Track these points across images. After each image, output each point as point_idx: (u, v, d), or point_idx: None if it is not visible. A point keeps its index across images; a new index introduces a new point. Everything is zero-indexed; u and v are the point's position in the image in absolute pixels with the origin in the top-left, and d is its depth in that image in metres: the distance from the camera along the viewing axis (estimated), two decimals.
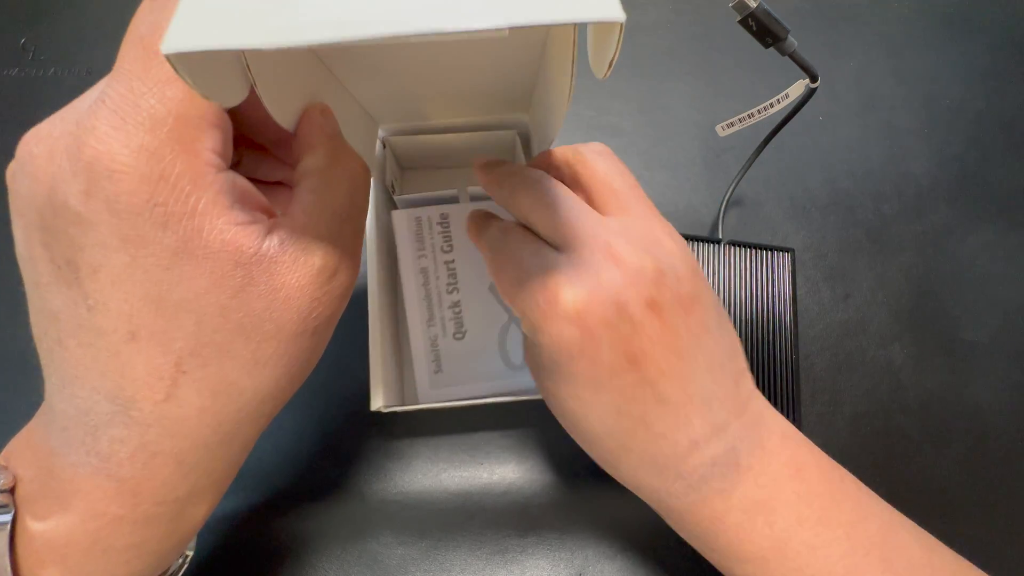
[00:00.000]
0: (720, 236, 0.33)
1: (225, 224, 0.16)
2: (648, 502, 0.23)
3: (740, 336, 0.30)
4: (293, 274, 0.17)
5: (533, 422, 0.32)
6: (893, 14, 0.41)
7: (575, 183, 0.23)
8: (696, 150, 0.38)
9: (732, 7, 0.23)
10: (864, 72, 0.40)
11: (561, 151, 0.24)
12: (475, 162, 0.25)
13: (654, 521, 0.30)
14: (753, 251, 0.32)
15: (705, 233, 0.35)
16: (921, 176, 0.37)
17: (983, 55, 0.41)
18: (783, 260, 0.32)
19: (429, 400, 0.27)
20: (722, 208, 0.33)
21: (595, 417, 0.21)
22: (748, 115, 0.29)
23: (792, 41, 0.24)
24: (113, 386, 0.16)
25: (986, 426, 0.32)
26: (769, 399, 0.27)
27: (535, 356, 0.22)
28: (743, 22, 0.23)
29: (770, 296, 0.32)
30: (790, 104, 0.27)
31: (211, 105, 0.16)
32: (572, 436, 0.23)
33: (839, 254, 0.35)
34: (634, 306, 0.19)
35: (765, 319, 0.31)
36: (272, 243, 0.17)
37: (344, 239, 0.18)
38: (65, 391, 0.17)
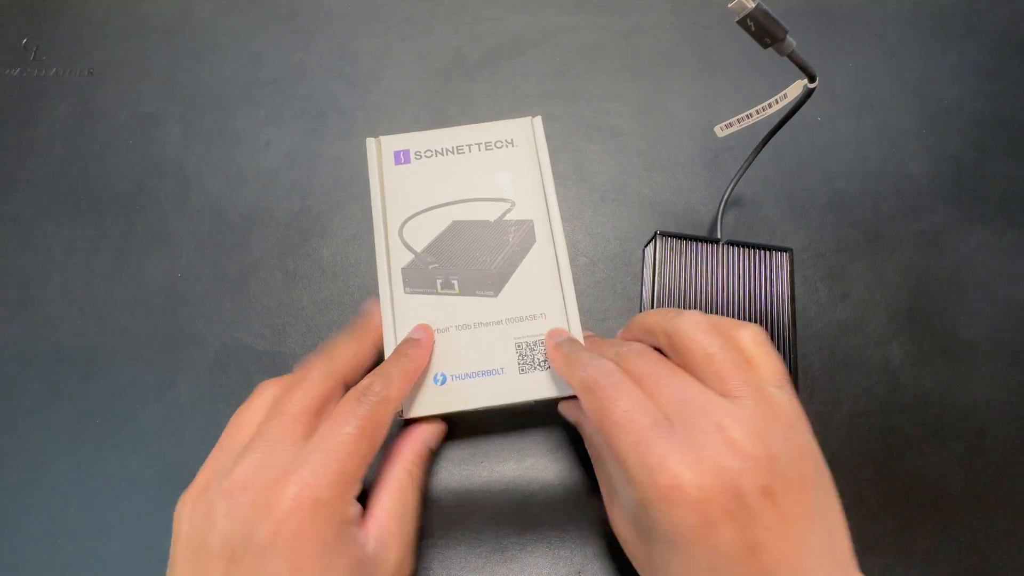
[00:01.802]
0: (719, 236, 0.33)
1: (356, 538, 0.22)
2: None
3: None
4: (387, 570, 0.22)
5: (533, 421, 0.32)
6: (891, 15, 0.42)
7: (672, 352, 0.24)
8: (695, 150, 0.38)
9: (730, 7, 0.23)
10: (862, 72, 0.40)
11: (656, 320, 0.25)
12: (550, 339, 0.27)
13: None
14: (752, 251, 0.32)
15: (704, 233, 0.36)
16: (919, 176, 0.38)
17: (981, 55, 0.41)
18: (781, 260, 0.32)
19: (434, 406, 0.27)
20: (721, 208, 0.33)
21: None
22: (747, 115, 0.29)
23: (791, 41, 0.24)
24: None
25: (984, 425, 0.32)
26: None
27: (640, 521, 0.21)
28: (741, 22, 0.23)
29: (768, 296, 0.32)
30: (788, 104, 0.27)
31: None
32: None
33: (837, 254, 0.36)
34: (751, 494, 0.19)
35: (763, 319, 0.31)
36: (370, 546, 0.22)
37: (410, 537, 0.24)
38: None
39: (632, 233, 0.36)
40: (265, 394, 0.25)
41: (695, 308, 0.31)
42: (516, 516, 0.30)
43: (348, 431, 0.22)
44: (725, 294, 0.31)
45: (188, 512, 0.21)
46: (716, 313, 0.31)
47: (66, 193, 0.37)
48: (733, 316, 0.31)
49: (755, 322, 0.30)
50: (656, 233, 0.32)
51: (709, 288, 0.31)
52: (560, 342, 0.26)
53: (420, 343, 0.26)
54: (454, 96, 0.39)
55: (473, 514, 0.31)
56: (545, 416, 0.32)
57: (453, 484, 0.31)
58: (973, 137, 0.38)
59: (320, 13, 0.42)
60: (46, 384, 0.33)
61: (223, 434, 0.24)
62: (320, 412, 0.23)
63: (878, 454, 0.32)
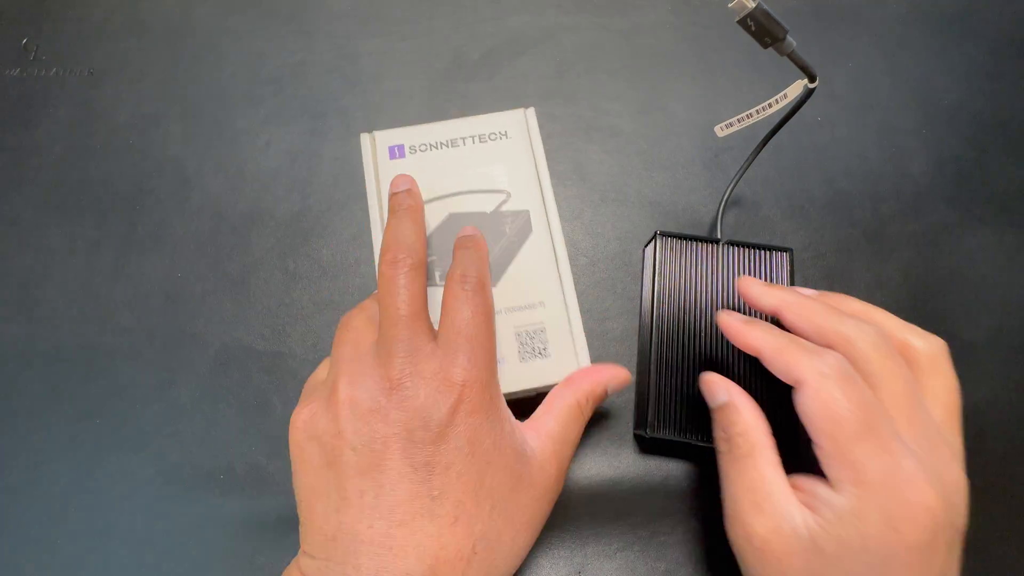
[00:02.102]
0: (719, 236, 0.33)
1: (516, 430, 0.23)
2: None
3: None
4: (542, 479, 0.23)
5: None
6: (891, 15, 0.42)
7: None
8: (695, 150, 0.38)
9: (730, 7, 0.23)
10: (862, 72, 0.40)
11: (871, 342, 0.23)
12: (730, 317, 0.26)
13: (653, 520, 0.31)
14: (752, 251, 0.32)
15: (704, 233, 0.36)
16: (919, 176, 0.38)
17: (981, 55, 0.41)
18: (781, 260, 0.32)
19: None
20: (721, 208, 0.33)
21: None
22: (747, 115, 0.29)
23: (791, 41, 0.24)
24: (426, 567, 0.20)
25: (984, 425, 0.32)
26: (769, 399, 0.27)
27: (834, 532, 0.20)
28: (742, 22, 0.23)
29: None
30: (788, 104, 0.27)
31: None
32: None
33: (837, 254, 0.36)
34: (959, 535, 0.21)
35: (763, 319, 0.31)
36: (528, 447, 0.23)
37: (565, 464, 0.25)
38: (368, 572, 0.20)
39: (632, 233, 0.36)
40: (359, 317, 0.25)
41: (696, 308, 0.31)
42: None
43: (470, 317, 0.23)
44: (725, 294, 0.31)
45: (340, 414, 0.22)
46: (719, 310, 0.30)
47: (66, 193, 0.37)
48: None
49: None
50: (656, 233, 0.32)
51: (709, 288, 0.31)
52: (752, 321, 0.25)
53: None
54: (454, 96, 0.39)
55: None
56: None
57: None
58: (973, 137, 0.38)
59: (320, 13, 0.42)
60: (46, 384, 0.33)
61: (335, 353, 0.24)
62: (425, 308, 0.24)
63: None
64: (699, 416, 0.29)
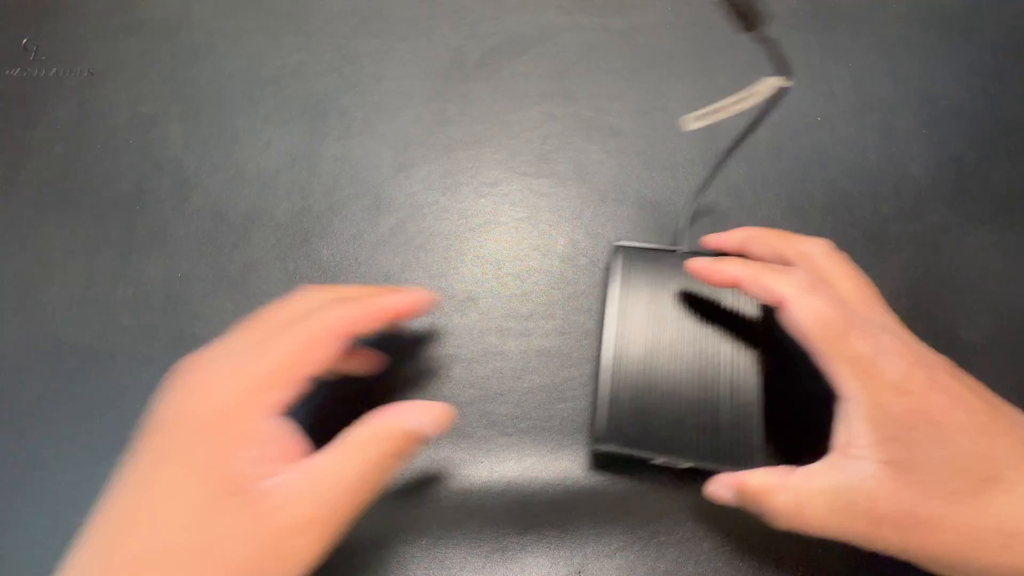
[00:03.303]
0: (681, 246, 0.32)
1: (237, 457, 0.19)
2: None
3: None
4: (262, 522, 0.18)
5: (532, 420, 0.32)
6: (891, 15, 0.42)
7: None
8: (695, 150, 0.38)
9: None
10: (862, 72, 0.40)
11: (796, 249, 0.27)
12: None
13: (653, 519, 0.31)
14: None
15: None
16: (919, 176, 0.38)
17: (981, 55, 0.41)
18: None
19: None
20: (688, 215, 0.32)
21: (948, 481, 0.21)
22: (714, 109, 0.28)
23: (771, 31, 0.23)
24: None
25: None
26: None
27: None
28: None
29: (734, 304, 0.31)
30: (762, 103, 0.26)
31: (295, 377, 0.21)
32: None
33: None
34: None
35: (731, 329, 0.31)
36: (265, 486, 0.19)
37: (333, 528, 0.19)
38: None
39: (632, 233, 0.36)
40: (306, 297, 0.25)
41: (661, 324, 0.30)
42: (516, 516, 0.30)
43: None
44: (691, 301, 0.30)
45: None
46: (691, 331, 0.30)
47: (66, 193, 0.37)
48: (697, 322, 0.30)
49: (721, 327, 0.30)
50: (615, 247, 0.31)
51: (670, 298, 0.30)
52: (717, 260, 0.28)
53: (407, 297, 0.27)
54: (454, 96, 0.39)
55: (473, 514, 0.31)
56: (544, 414, 0.32)
57: (453, 484, 0.31)
58: (973, 137, 0.38)
59: (320, 13, 0.42)
60: (46, 384, 0.33)
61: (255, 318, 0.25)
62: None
63: None
64: (653, 431, 0.28)
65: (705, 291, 0.30)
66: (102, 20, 0.41)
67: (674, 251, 0.31)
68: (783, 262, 0.27)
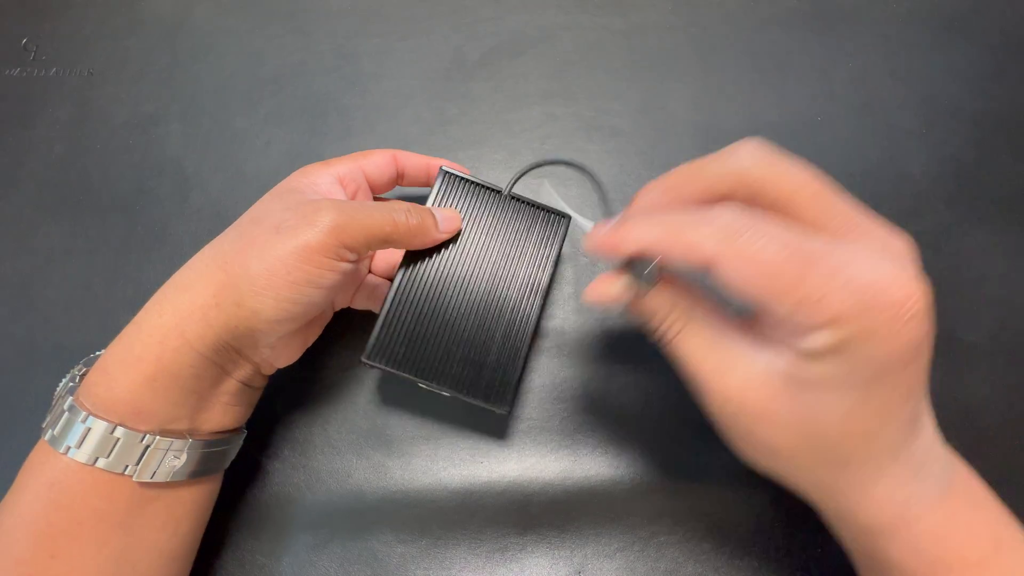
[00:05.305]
0: (503, 188, 0.32)
1: (323, 184, 0.29)
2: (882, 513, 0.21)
3: None
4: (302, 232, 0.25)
5: (532, 420, 0.32)
6: (891, 15, 0.42)
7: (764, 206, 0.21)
8: (695, 150, 0.38)
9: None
10: (862, 72, 0.40)
11: (715, 171, 0.21)
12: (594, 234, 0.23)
13: (653, 519, 0.31)
14: (532, 208, 0.30)
15: None
16: (919, 177, 0.38)
17: (981, 56, 0.41)
18: (559, 225, 0.31)
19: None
20: (521, 171, 0.31)
21: (891, 429, 0.19)
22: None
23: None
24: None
25: (983, 426, 0.32)
26: None
27: (833, 365, 0.18)
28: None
29: (534, 256, 0.30)
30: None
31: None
32: (811, 461, 0.20)
33: None
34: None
35: (524, 276, 0.30)
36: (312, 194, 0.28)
37: (356, 232, 0.25)
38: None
39: None
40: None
41: (462, 258, 0.29)
42: (516, 516, 0.31)
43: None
44: (497, 243, 0.30)
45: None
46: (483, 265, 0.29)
47: (66, 193, 0.37)
48: (496, 264, 0.30)
49: (516, 274, 0.29)
50: (440, 169, 0.30)
51: (484, 236, 0.30)
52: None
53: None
54: (454, 96, 0.39)
55: (473, 514, 0.31)
56: (544, 414, 0.32)
57: (453, 484, 0.31)
58: (973, 137, 0.38)
59: (320, 13, 0.42)
60: (46, 384, 0.33)
61: None
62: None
63: None
64: (422, 356, 0.28)
65: (512, 237, 0.30)
66: (102, 20, 0.41)
67: (499, 191, 0.31)
68: (712, 194, 0.21)
